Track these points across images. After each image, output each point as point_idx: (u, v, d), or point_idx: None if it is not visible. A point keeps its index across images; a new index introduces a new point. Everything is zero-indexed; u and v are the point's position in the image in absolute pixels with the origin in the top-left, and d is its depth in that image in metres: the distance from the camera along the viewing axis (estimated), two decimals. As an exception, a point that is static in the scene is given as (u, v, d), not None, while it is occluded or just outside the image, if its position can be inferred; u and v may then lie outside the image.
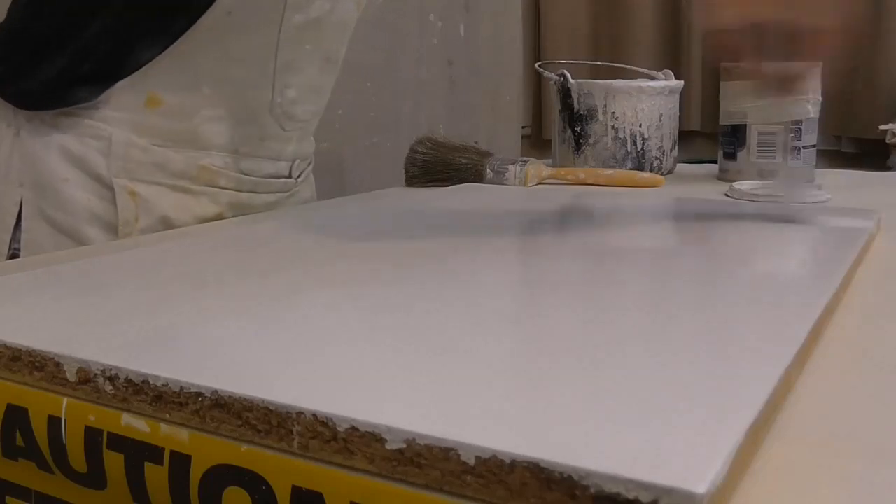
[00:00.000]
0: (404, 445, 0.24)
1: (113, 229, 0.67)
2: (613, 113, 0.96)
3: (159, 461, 0.29)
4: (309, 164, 0.84)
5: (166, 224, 0.69)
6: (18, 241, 0.67)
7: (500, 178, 0.89)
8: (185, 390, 0.28)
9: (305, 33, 0.71)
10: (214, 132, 0.70)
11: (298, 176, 0.80)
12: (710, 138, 2.08)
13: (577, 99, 0.97)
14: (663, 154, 0.98)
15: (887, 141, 1.79)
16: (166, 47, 0.65)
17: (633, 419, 0.25)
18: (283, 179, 0.78)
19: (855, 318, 0.41)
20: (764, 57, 0.53)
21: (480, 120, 1.81)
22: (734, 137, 0.92)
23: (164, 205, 0.68)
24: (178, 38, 0.65)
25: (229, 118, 0.70)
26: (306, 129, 0.79)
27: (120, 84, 0.66)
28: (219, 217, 0.72)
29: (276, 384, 0.28)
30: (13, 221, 0.67)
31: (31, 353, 0.32)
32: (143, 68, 0.66)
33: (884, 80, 1.99)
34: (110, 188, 0.67)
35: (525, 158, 0.92)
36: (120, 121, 0.67)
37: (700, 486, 0.21)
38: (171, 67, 0.66)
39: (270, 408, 0.26)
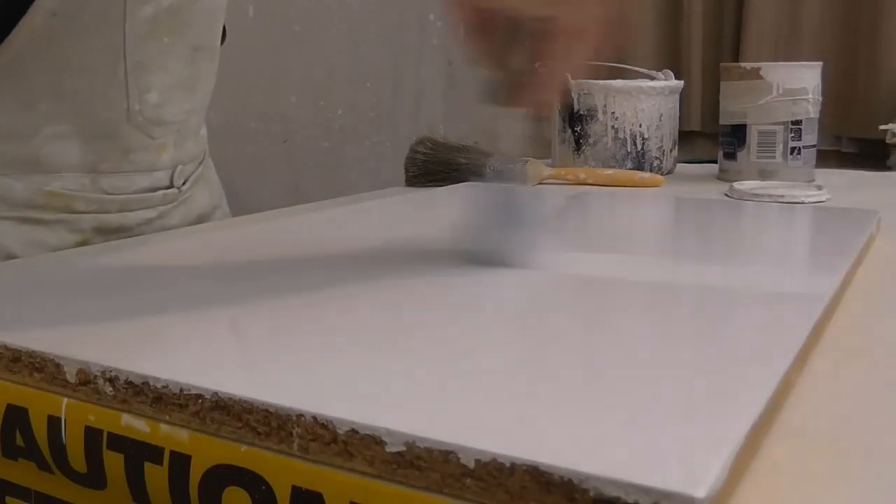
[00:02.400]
0: (404, 448, 0.24)
1: None
2: (613, 113, 0.96)
3: (159, 461, 0.29)
4: (199, 166, 0.73)
5: None
6: None
7: (500, 178, 0.89)
8: (185, 392, 0.28)
9: (159, 26, 0.61)
10: (61, 152, 0.60)
11: (184, 183, 0.70)
12: (710, 138, 2.08)
13: (577, 99, 0.97)
14: (663, 154, 0.98)
15: (887, 141, 1.79)
16: None
17: (633, 422, 0.25)
18: (161, 192, 0.67)
19: (855, 318, 0.41)
20: (506, 51, 0.46)
21: (480, 120, 1.81)
22: (734, 137, 0.92)
23: (9, 241, 0.60)
24: None
25: (78, 135, 0.61)
26: (184, 130, 0.68)
27: None
28: (84, 245, 0.63)
29: (276, 386, 0.28)
30: None
31: (31, 355, 0.32)
32: None
33: (884, 80, 1.99)
34: None
35: (525, 158, 0.92)
36: None
37: (700, 490, 0.21)
38: None
39: (270, 410, 0.26)
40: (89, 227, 0.63)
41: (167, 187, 0.68)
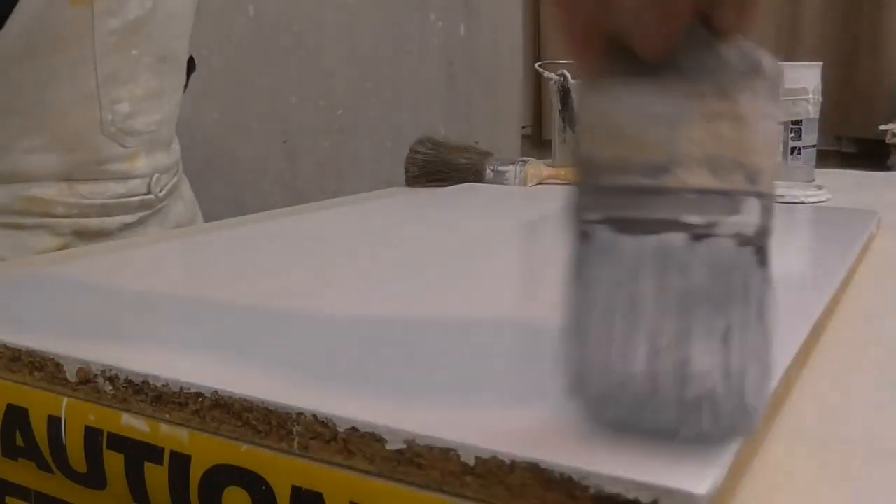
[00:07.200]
0: (404, 446, 0.24)
1: None
2: (613, 113, 0.96)
3: (159, 461, 0.29)
4: (175, 177, 0.75)
5: None
6: None
7: (500, 178, 0.89)
8: (185, 390, 0.28)
9: (126, 38, 0.63)
10: (39, 163, 0.63)
11: (160, 191, 0.72)
12: (710, 138, 2.07)
13: (578, 99, 0.97)
14: (663, 154, 0.98)
15: (887, 141, 1.79)
16: None
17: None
18: (139, 198, 0.69)
19: (855, 318, 0.41)
20: None
21: (480, 120, 1.81)
22: (734, 137, 0.91)
23: None
24: None
25: (54, 146, 0.63)
26: (156, 139, 0.70)
27: None
28: (65, 248, 0.65)
29: (276, 384, 0.28)
30: None
31: (31, 354, 0.32)
32: None
33: (884, 80, 1.99)
34: None
35: (525, 158, 0.92)
36: None
37: (700, 487, 0.21)
38: None
39: (270, 408, 0.26)
40: (70, 230, 0.65)
41: (144, 194, 0.70)
